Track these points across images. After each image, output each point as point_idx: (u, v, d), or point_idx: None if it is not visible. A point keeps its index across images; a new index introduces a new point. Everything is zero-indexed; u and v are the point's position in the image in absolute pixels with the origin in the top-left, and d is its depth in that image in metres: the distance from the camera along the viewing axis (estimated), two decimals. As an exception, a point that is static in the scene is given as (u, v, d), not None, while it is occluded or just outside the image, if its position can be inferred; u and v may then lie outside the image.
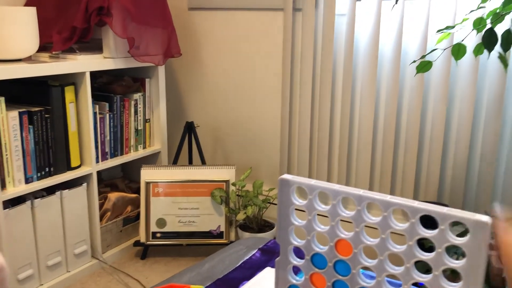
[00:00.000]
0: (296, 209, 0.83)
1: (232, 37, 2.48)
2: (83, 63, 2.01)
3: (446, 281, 0.71)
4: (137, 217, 2.41)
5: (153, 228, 2.26)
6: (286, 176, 0.83)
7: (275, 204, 2.32)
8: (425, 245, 0.94)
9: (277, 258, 0.85)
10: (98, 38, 2.15)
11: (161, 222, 2.26)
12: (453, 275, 0.92)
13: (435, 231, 0.70)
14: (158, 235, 2.26)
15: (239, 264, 1.10)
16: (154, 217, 2.25)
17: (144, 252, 2.31)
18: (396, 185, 2.12)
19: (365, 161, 2.15)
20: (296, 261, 0.84)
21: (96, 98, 2.16)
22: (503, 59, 1.56)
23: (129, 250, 2.37)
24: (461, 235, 0.72)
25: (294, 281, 0.84)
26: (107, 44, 2.12)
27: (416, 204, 0.71)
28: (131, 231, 2.41)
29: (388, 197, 0.73)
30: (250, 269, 1.06)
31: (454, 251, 1.55)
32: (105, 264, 2.23)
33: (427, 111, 2.02)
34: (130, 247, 2.37)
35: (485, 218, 0.67)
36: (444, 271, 0.71)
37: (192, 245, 2.27)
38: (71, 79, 2.03)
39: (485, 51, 1.49)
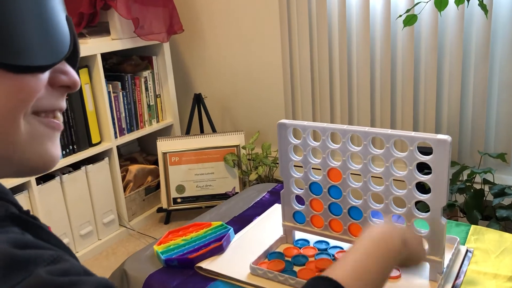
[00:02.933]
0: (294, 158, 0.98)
1: (231, 9, 2.59)
2: (93, 46, 2.16)
3: (418, 192, 0.87)
4: (158, 186, 2.59)
5: (174, 194, 2.43)
6: (283, 120, 0.98)
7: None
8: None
9: (282, 191, 1.01)
10: (105, 22, 2.29)
11: (180, 188, 2.44)
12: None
13: (406, 152, 0.85)
14: (179, 200, 2.44)
15: (251, 204, 1.27)
16: (173, 184, 2.43)
17: (167, 217, 2.50)
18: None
19: (365, 114, 2.29)
20: (297, 191, 1.00)
21: (108, 78, 2.31)
22: (482, 6, 1.67)
23: (153, 216, 2.56)
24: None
25: (298, 208, 1.01)
26: (113, 26, 2.26)
27: (389, 131, 0.86)
28: (153, 199, 2.59)
29: (366, 128, 0.88)
30: (261, 207, 1.23)
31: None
32: (132, 231, 2.42)
33: (420, 60, 2.13)
34: (154, 214, 2.56)
35: (445, 137, 0.82)
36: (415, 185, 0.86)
37: (210, 207, 2.44)
38: (84, 62, 2.18)
39: (466, 1, 1.60)
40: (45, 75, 0.45)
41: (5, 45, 0.41)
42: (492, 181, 1.85)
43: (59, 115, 0.49)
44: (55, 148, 0.48)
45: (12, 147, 0.44)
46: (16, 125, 0.43)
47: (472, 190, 1.82)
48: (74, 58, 0.49)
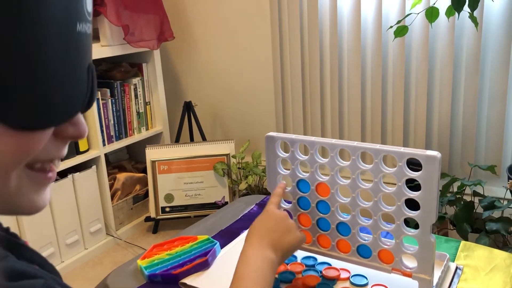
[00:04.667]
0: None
1: (222, 17, 2.58)
2: (82, 53, 2.13)
3: (407, 209, 0.85)
4: (146, 194, 2.56)
5: (162, 203, 2.41)
6: (271, 133, 0.96)
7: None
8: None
9: (268, 205, 0.99)
10: (94, 28, 2.26)
11: (169, 197, 2.41)
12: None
13: (395, 168, 0.83)
14: (167, 209, 2.41)
15: (239, 217, 1.25)
16: (162, 193, 2.40)
17: (155, 226, 2.47)
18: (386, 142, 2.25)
19: (356, 125, 2.28)
20: (285, 205, 0.98)
21: (97, 85, 2.28)
22: (473, 19, 1.67)
23: (141, 225, 2.53)
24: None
25: (284, 223, 0.99)
26: (103, 32, 2.24)
27: (378, 146, 0.84)
28: (141, 208, 2.56)
29: (355, 143, 0.87)
30: (249, 220, 1.21)
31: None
32: (119, 240, 2.39)
33: (411, 71, 2.13)
34: (142, 223, 2.52)
35: (434, 153, 0.80)
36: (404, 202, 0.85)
37: (199, 216, 2.42)
38: (72, 69, 2.15)
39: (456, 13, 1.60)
40: (49, 130, 0.41)
41: (9, 103, 0.37)
42: (482, 193, 1.84)
43: (57, 163, 0.45)
44: (42, 199, 0.44)
45: None
46: (6, 179, 0.40)
47: (462, 202, 1.81)
48: (88, 106, 0.44)
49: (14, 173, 0.40)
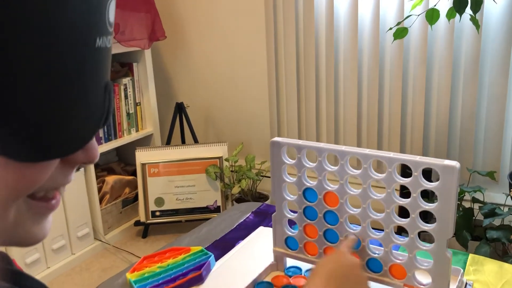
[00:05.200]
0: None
1: (215, 17, 2.52)
2: (71, 51, 2.06)
3: (423, 222, 0.80)
4: (136, 198, 2.49)
5: (152, 207, 2.34)
6: (276, 138, 0.90)
7: (268, 177, 2.40)
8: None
9: (274, 214, 0.94)
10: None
11: (159, 201, 2.34)
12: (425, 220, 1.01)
13: (410, 178, 0.78)
14: (158, 213, 2.34)
15: (234, 226, 1.19)
16: (152, 196, 2.33)
17: (145, 231, 2.40)
18: (382, 147, 2.21)
19: (352, 129, 2.24)
20: (290, 215, 0.92)
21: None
22: (474, 21, 1.63)
23: (130, 230, 2.45)
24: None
25: (290, 233, 0.93)
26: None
27: (392, 155, 0.79)
28: (130, 212, 2.49)
29: (367, 151, 0.82)
30: (245, 229, 1.15)
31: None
32: (107, 245, 2.31)
33: (408, 74, 2.09)
34: (131, 227, 2.45)
35: (453, 163, 0.75)
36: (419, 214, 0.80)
37: (190, 221, 2.35)
38: (60, 68, 2.08)
39: (458, 14, 1.57)
40: (57, 160, 0.35)
41: (11, 133, 0.31)
42: (481, 199, 1.81)
43: (62, 190, 0.39)
44: (42, 230, 0.38)
45: None
46: (4, 212, 0.34)
47: (461, 209, 1.78)
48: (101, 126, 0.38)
49: (14, 206, 0.34)
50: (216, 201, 2.36)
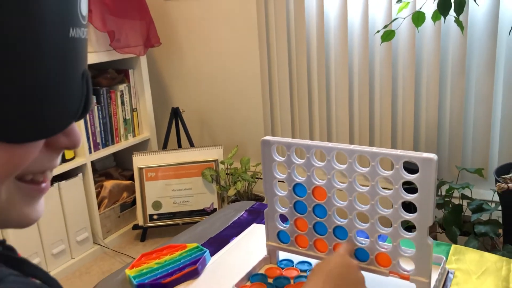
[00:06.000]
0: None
1: (209, 23, 2.58)
2: (68, 59, 2.10)
3: (404, 212, 0.85)
4: (133, 202, 2.53)
5: (150, 211, 2.38)
6: (267, 137, 0.95)
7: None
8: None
9: (266, 209, 0.98)
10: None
11: (156, 205, 2.38)
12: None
13: (392, 171, 0.83)
14: (155, 217, 2.39)
15: (229, 224, 1.23)
16: (149, 200, 2.37)
17: (143, 234, 2.44)
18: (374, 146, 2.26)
19: (344, 128, 2.29)
20: (282, 210, 0.97)
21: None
22: (458, 23, 1.69)
23: (129, 234, 2.49)
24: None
25: (282, 227, 0.98)
26: (89, 38, 2.21)
27: (375, 149, 0.84)
28: (128, 216, 2.53)
29: (351, 146, 0.87)
30: (239, 227, 1.20)
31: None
32: (107, 249, 2.35)
33: (398, 75, 2.14)
34: (130, 231, 2.49)
35: (431, 155, 0.80)
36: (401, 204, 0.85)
37: (188, 223, 2.39)
38: (58, 75, 2.12)
39: (442, 17, 1.62)
40: (40, 142, 0.39)
41: None
42: (470, 196, 1.86)
43: (49, 174, 0.43)
44: (34, 211, 0.42)
45: None
46: None
47: (450, 206, 1.83)
48: (82, 114, 0.42)
49: (3, 186, 0.38)
50: (212, 203, 2.40)
